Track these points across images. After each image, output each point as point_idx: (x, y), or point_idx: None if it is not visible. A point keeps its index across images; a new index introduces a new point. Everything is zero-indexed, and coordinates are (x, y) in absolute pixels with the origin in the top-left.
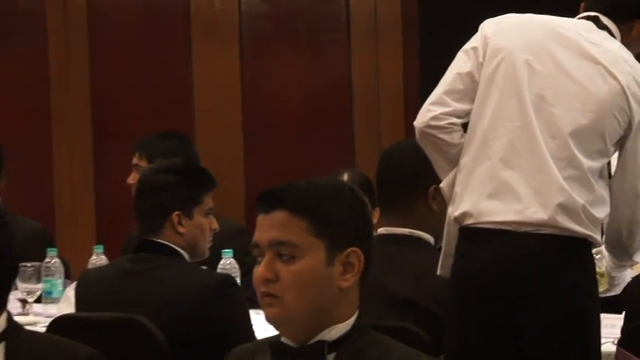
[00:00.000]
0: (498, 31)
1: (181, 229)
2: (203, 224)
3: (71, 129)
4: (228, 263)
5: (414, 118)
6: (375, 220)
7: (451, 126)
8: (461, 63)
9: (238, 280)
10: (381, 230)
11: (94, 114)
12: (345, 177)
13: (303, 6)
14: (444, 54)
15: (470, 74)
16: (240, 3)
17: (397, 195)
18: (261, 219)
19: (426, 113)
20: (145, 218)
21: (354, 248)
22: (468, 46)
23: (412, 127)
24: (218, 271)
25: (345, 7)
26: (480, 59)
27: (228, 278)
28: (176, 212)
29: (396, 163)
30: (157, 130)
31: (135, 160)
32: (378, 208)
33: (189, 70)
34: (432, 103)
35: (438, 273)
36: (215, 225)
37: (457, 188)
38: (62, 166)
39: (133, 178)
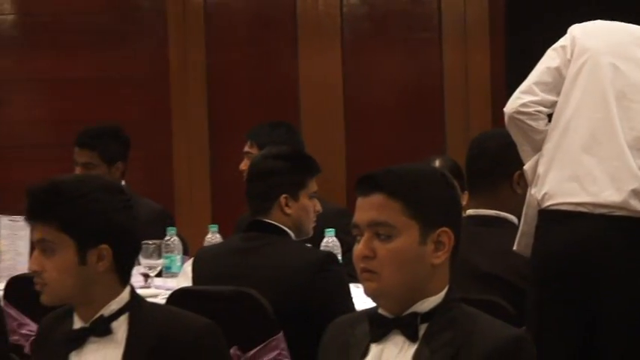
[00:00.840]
0: (585, 33)
1: (288, 211)
2: (308, 206)
3: (189, 120)
4: (330, 242)
5: (499, 110)
6: (463, 203)
7: (538, 113)
8: (550, 59)
9: (339, 257)
10: (470, 212)
11: (209, 106)
12: (437, 163)
13: (399, 8)
14: (528, 52)
15: (558, 69)
16: (342, 5)
17: (484, 180)
18: (360, 201)
19: (516, 100)
20: (255, 200)
21: (444, 228)
22: (557, 44)
23: (498, 119)
24: (321, 248)
25: (437, 9)
26: (568, 56)
27: (330, 255)
28: (284, 195)
29: (483, 150)
30: (266, 121)
31: (246, 148)
32: (466, 192)
33: (296, 66)
34: (522, 92)
35: (514, 249)
36: (318, 207)
37: (539, 170)
38: (181, 153)
39: (244, 165)
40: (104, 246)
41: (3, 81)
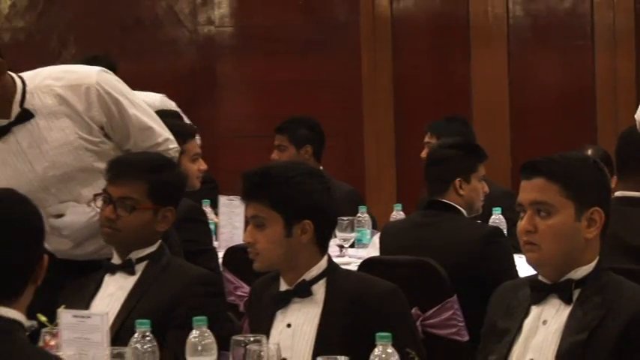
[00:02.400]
0: None
1: (461, 192)
2: (478, 188)
3: (378, 114)
4: (497, 218)
5: None
6: (612, 186)
7: None
8: None
9: (505, 232)
10: (618, 194)
11: (395, 103)
12: (589, 152)
13: (557, 19)
14: None
15: None
16: (508, 17)
17: (631, 165)
18: (524, 184)
19: None
20: (433, 183)
21: (596, 207)
22: None
23: None
24: (489, 224)
25: (589, 19)
26: None
27: (497, 229)
28: (458, 178)
29: (630, 141)
30: (443, 115)
31: (427, 139)
32: (615, 177)
33: (468, 69)
34: None
35: None
36: (486, 188)
37: None
38: (371, 143)
39: (424, 153)
40: (307, 221)
41: (224, 83)
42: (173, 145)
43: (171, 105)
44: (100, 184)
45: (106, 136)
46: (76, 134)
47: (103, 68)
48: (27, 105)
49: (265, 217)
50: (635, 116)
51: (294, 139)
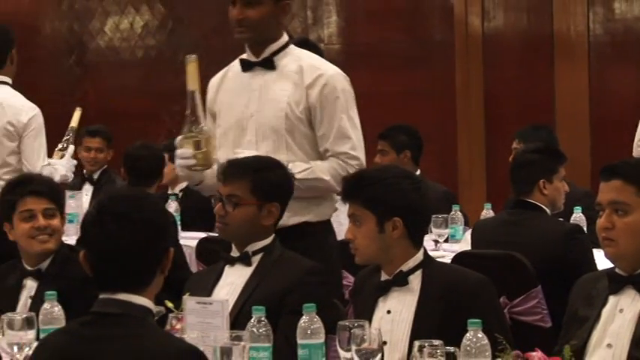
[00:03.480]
0: None
1: (545, 192)
2: (559, 187)
3: (470, 122)
4: (578, 217)
5: None
6: None
7: None
8: None
9: (585, 229)
10: None
11: (486, 112)
12: None
13: (635, 36)
14: None
15: None
16: (589, 35)
17: None
18: (603, 185)
19: None
20: (519, 184)
21: None
22: None
23: None
24: (571, 221)
25: None
26: None
27: (578, 226)
28: (541, 179)
29: None
30: (529, 123)
31: (514, 144)
32: None
33: (552, 80)
34: None
35: None
36: (566, 188)
37: None
38: (463, 148)
39: (512, 158)
40: (396, 218)
41: None
42: (356, 161)
43: None
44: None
45: (309, 120)
46: (287, 100)
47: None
48: (276, 58)
49: (360, 216)
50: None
51: (395, 145)
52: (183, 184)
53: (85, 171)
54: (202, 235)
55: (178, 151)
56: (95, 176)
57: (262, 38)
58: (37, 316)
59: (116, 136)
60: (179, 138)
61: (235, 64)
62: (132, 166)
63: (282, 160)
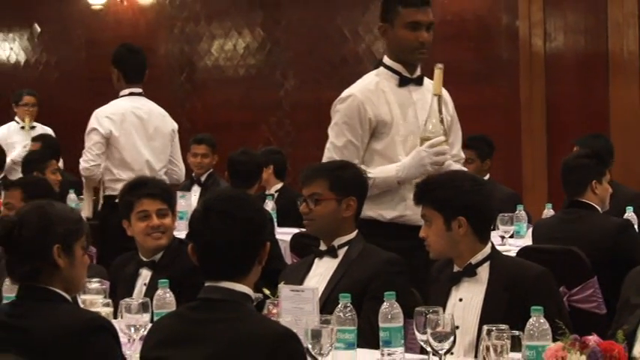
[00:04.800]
0: None
1: (597, 192)
2: (607, 188)
3: (533, 132)
4: (630, 215)
5: None
6: None
7: None
8: None
9: (636, 226)
10: None
11: (547, 123)
12: None
13: None
14: None
15: None
16: (639, 52)
17: None
18: None
19: None
20: (572, 186)
21: None
22: None
23: None
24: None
25: None
26: None
27: (628, 221)
28: (593, 181)
29: None
30: (586, 133)
31: (574, 151)
32: None
33: (607, 94)
34: None
35: None
36: (610, 189)
37: None
38: (527, 155)
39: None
40: (461, 217)
41: None
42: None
43: None
44: None
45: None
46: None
47: None
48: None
49: (430, 216)
50: None
51: (480, 155)
52: (279, 186)
53: (193, 174)
54: (295, 230)
55: (437, 149)
56: (202, 179)
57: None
58: (151, 301)
59: (220, 143)
60: (426, 134)
61: (377, 80)
62: (234, 170)
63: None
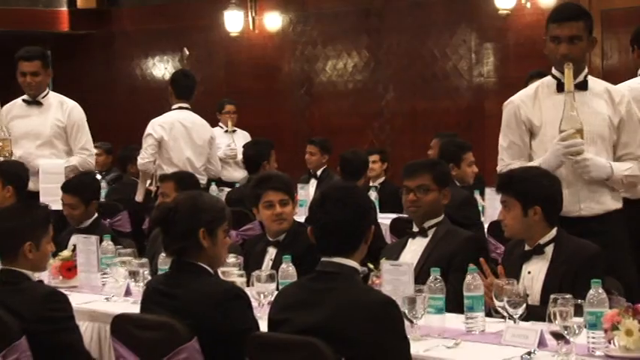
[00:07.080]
0: None
1: None
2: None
3: None
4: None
5: None
6: None
7: None
8: None
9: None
10: None
11: None
12: None
13: None
14: None
15: None
16: None
17: None
18: None
19: None
20: None
21: None
22: None
23: None
24: None
25: None
26: None
27: None
28: None
29: None
30: None
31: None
32: None
33: None
34: None
35: None
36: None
37: None
38: None
39: None
40: (537, 207)
41: (489, 115)
42: None
43: None
44: None
45: (618, 129)
46: (606, 112)
47: None
48: (589, 81)
49: (510, 203)
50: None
51: None
52: (382, 179)
53: (310, 170)
54: (394, 215)
55: (570, 142)
56: (318, 173)
57: (578, 67)
58: (277, 273)
59: (334, 145)
60: (561, 129)
61: (537, 86)
62: (344, 166)
63: (602, 160)
